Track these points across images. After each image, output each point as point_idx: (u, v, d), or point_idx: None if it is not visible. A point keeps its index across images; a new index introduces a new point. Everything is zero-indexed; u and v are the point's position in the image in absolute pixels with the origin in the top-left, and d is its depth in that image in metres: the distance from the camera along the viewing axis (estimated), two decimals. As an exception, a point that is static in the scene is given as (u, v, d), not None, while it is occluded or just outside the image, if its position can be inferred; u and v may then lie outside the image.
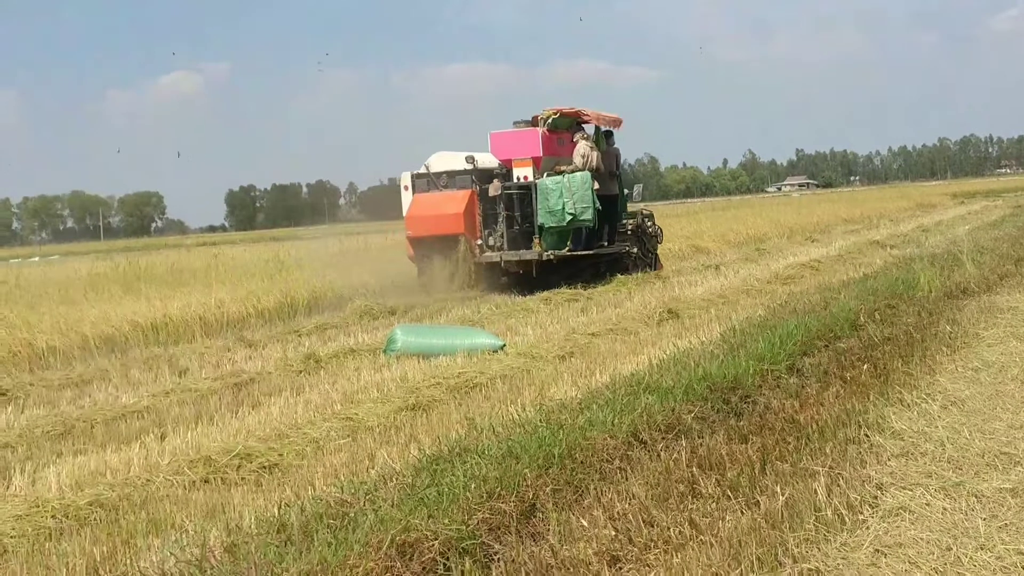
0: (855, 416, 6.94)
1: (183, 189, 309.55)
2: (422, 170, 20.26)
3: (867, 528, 5.00)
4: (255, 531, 5.10)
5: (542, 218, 18.71)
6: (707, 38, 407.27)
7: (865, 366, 8.42)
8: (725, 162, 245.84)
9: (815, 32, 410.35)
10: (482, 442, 6.36)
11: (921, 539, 4.82)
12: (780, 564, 4.61)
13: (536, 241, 18.97)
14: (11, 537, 6.08)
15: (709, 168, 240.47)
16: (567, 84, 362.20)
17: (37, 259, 54.78)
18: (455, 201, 19.55)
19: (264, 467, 7.30)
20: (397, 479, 5.81)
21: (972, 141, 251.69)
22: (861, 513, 5.20)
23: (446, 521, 4.86)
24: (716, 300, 15.21)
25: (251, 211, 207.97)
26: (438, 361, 10.86)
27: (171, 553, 4.82)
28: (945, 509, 5.21)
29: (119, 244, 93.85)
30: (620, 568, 4.71)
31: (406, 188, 20.33)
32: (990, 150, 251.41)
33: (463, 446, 6.34)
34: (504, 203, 19.37)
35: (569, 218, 18.53)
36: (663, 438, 6.52)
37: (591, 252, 19.66)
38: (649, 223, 21.91)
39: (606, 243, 20.22)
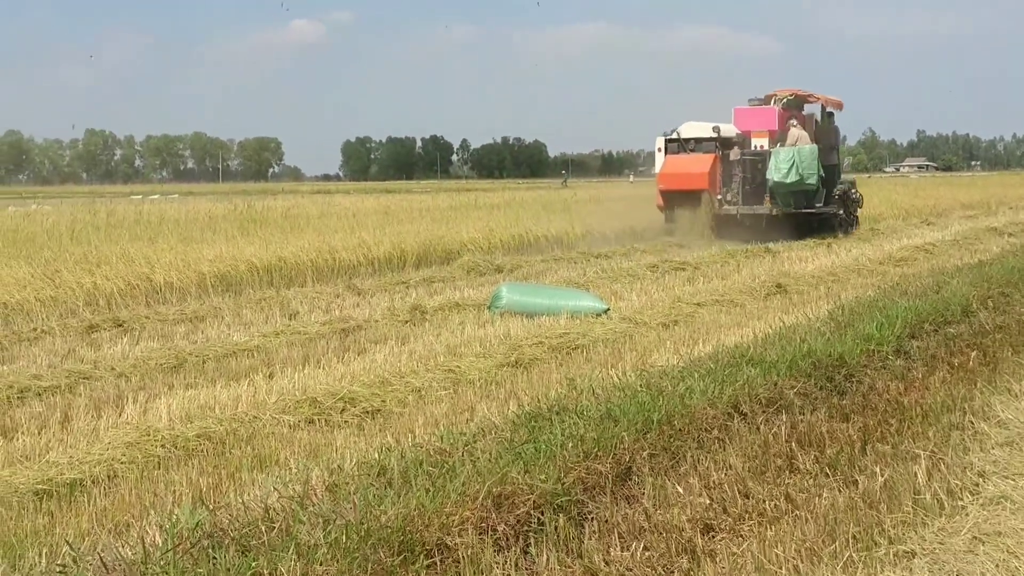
0: (960, 402, 6.82)
1: (301, 137, 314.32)
2: (673, 135, 24.07)
3: (966, 515, 4.93)
4: (356, 473, 5.21)
5: (773, 181, 22.17)
6: (833, 9, 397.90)
7: (974, 353, 8.24)
8: (844, 139, 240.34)
9: (942, 11, 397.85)
10: (581, 403, 6.40)
11: (1021, 529, 4.74)
12: (875, 544, 4.58)
13: (767, 199, 22.66)
14: (122, 463, 6.32)
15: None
16: (688, 50, 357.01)
17: (157, 197, 56.14)
18: (702, 162, 23.20)
19: (367, 412, 7.46)
20: (495, 433, 5.87)
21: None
22: (961, 499, 5.13)
23: (542, 477, 4.92)
24: (826, 278, 15.00)
25: (365, 162, 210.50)
26: (541, 320, 10.92)
27: (274, 488, 4.95)
28: (1049, 502, 5.10)
29: (237, 187, 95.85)
30: (713, 536, 4.73)
31: (659, 150, 24.20)
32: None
33: (562, 405, 6.38)
34: (741, 166, 23.05)
35: (796, 181, 21.97)
36: (763, 412, 6.48)
37: (811, 211, 22.92)
38: (853, 190, 25.50)
39: (821, 204, 23.27)
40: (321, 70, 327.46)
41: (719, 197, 23.10)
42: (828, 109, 25.14)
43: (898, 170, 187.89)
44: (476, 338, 10.04)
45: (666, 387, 6.68)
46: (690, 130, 24.04)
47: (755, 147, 23.32)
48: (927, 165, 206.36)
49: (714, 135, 23.52)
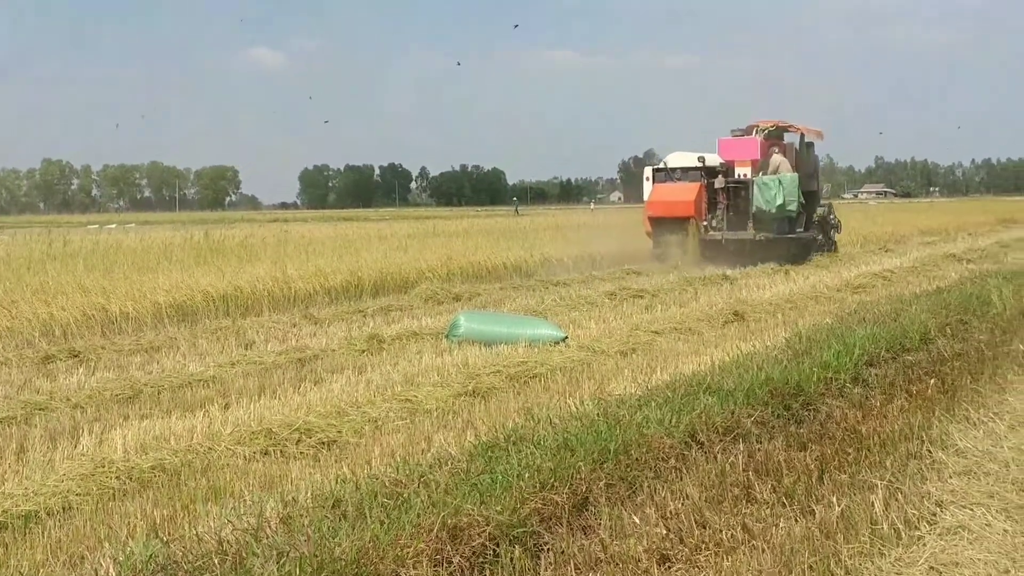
0: (918, 431, 6.85)
1: (258, 165, 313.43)
2: (661, 165, 25.59)
3: (923, 545, 4.93)
4: (310, 505, 5.16)
5: (756, 207, 23.28)
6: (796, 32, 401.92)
7: (932, 381, 8.29)
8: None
9: (895, 40, 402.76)
10: (538, 432, 6.37)
11: (979, 560, 4.75)
12: (832, 574, 4.58)
13: (750, 225, 23.65)
14: (77, 495, 6.24)
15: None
16: (651, 78, 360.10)
17: (114, 226, 55.74)
18: (688, 191, 24.46)
19: (323, 443, 7.39)
20: (452, 463, 5.83)
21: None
22: (918, 529, 5.14)
23: (498, 508, 4.89)
24: (783, 305, 15.06)
25: (323, 190, 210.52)
26: (499, 349, 10.89)
27: (229, 520, 4.90)
28: (1006, 531, 5.12)
29: (194, 216, 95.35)
30: (669, 567, 4.71)
31: (647, 179, 25.68)
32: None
33: (519, 435, 6.35)
34: (725, 194, 24.00)
35: (778, 208, 23.03)
36: (721, 440, 6.48)
37: (792, 236, 24.03)
38: (831, 215, 27.14)
39: (801, 229, 24.58)
40: (279, 98, 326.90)
41: (704, 223, 24.18)
42: (808, 139, 26.30)
43: (856, 196, 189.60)
44: (434, 367, 9.99)
45: (623, 416, 6.67)
46: (676, 160, 25.37)
47: (738, 175, 24.30)
48: (885, 192, 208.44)
49: (699, 164, 24.63)
